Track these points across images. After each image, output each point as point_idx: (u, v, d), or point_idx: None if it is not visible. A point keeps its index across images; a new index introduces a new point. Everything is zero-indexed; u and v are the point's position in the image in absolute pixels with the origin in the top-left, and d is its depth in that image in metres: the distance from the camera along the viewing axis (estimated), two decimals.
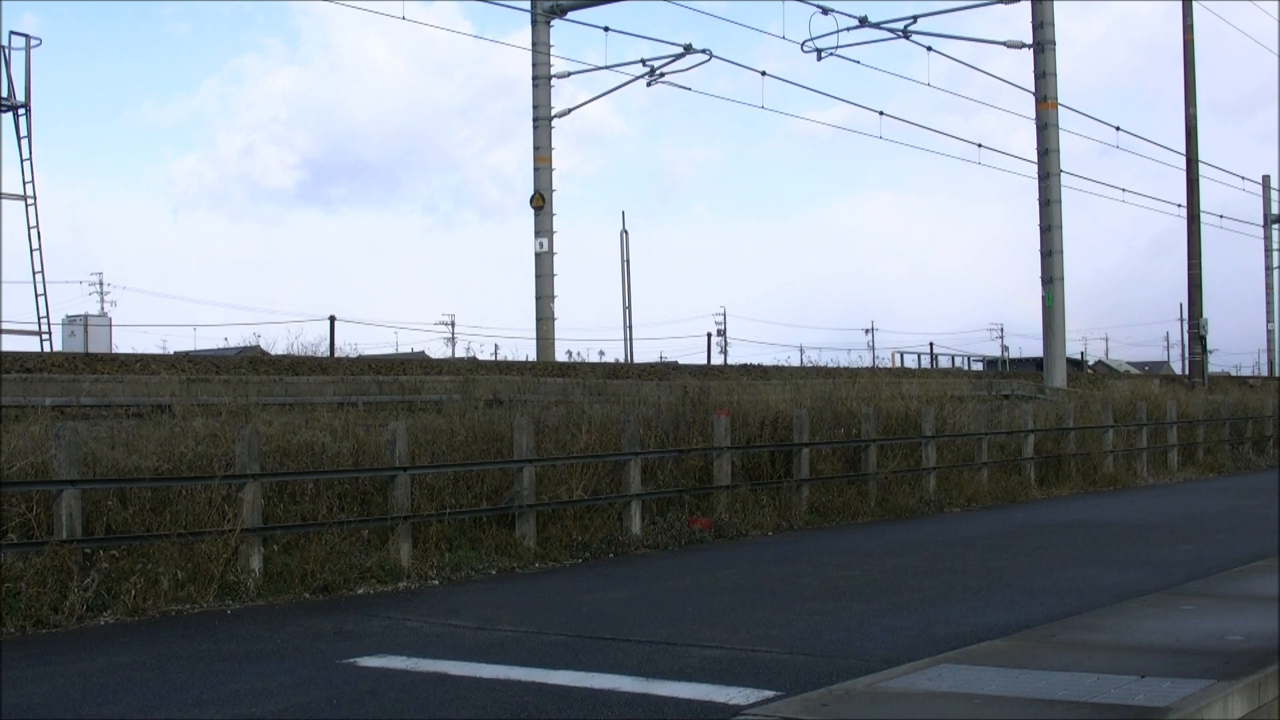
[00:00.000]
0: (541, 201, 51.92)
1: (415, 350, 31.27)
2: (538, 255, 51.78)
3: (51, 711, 10.74)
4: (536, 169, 52.60)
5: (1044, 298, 41.55)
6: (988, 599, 15.91)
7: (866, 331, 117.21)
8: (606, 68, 49.67)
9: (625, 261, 53.47)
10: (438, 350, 72.63)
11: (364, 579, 16.93)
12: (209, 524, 16.35)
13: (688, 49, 44.68)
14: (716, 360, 42.86)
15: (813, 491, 24.93)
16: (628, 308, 52.46)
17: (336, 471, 18.47)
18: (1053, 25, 43.59)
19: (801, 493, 24.56)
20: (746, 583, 17.57)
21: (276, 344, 27.85)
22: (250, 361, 24.55)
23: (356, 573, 16.95)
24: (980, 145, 72.34)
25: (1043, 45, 43.20)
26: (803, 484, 24.68)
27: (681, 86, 52.87)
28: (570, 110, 54.52)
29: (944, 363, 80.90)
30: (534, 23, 50.16)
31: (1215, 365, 75.19)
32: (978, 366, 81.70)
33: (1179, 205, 56.42)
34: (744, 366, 35.56)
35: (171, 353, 24.42)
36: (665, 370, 30.44)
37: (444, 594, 16.77)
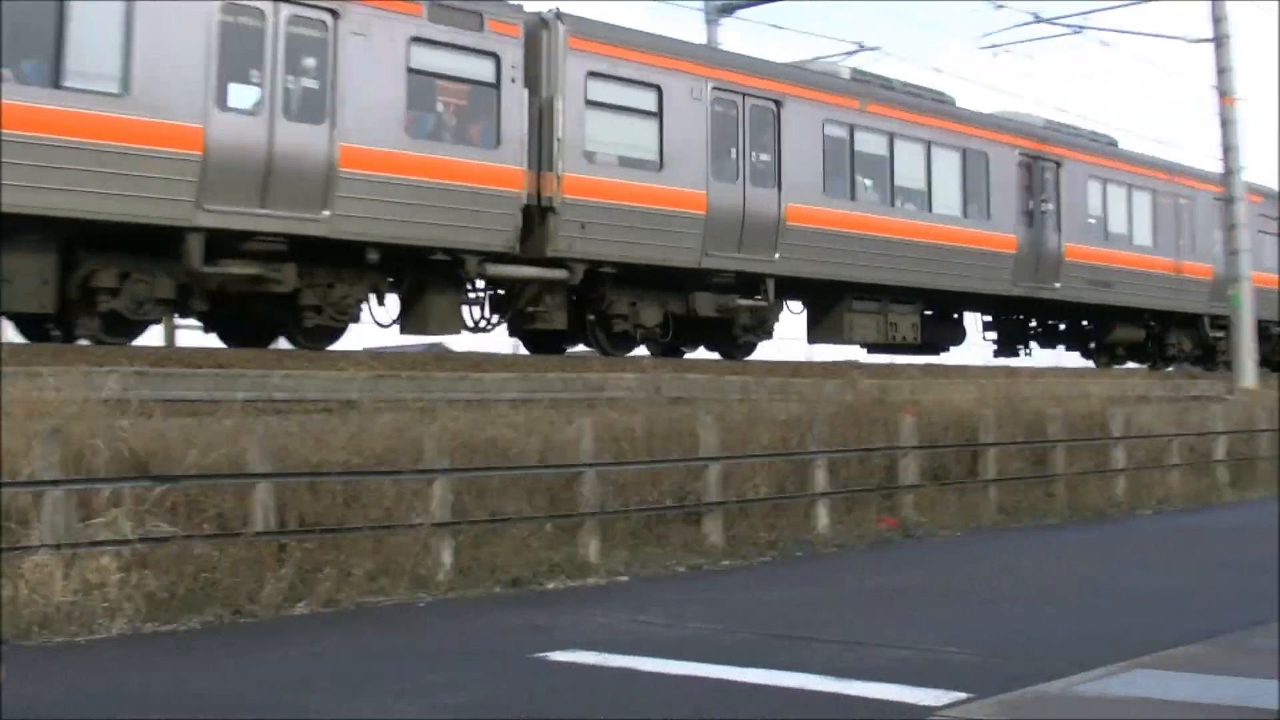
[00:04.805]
0: None
1: None
2: None
3: (251, 699, 10.92)
4: None
5: (1231, 297, 40.70)
6: (1183, 603, 15.63)
7: None
8: None
9: None
10: None
11: (553, 574, 16.98)
12: (399, 518, 16.50)
13: (860, 46, 44.29)
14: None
15: (1000, 492, 24.61)
16: None
17: (525, 467, 18.55)
18: (1231, 20, 42.71)
19: (989, 493, 24.28)
20: (935, 583, 17.41)
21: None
22: (436, 358, 24.75)
23: (545, 567, 17.01)
24: (1159, 142, 71.30)
25: (1221, 40, 42.27)
26: (990, 484, 24.40)
27: None
28: None
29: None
30: (707, 22, 50.08)
31: None
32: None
33: None
34: (924, 365, 35.17)
35: (360, 349, 24.62)
36: (845, 369, 30.25)
37: (632, 590, 16.77)
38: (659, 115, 26.94)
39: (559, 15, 25.50)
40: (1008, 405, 27.02)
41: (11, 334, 21.63)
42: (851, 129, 30.98)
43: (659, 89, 26.90)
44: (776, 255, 28.73)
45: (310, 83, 22.21)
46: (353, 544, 15.94)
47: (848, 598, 16.07)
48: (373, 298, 24.14)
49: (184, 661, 12.47)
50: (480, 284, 25.82)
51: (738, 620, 14.46)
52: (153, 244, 20.92)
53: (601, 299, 27.01)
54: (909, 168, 32.75)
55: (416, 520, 16.40)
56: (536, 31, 25.26)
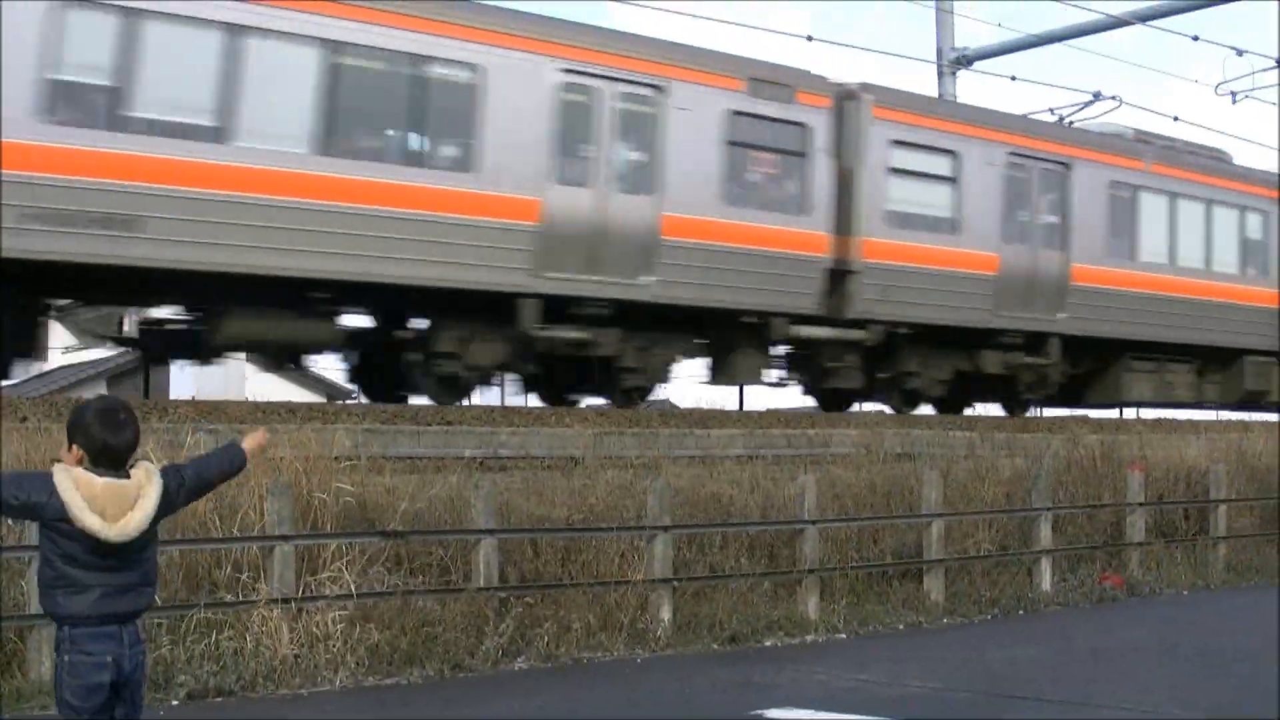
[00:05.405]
0: None
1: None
2: None
3: None
4: None
5: None
6: None
7: None
8: None
9: None
10: None
11: (771, 630, 16.91)
12: (618, 573, 16.59)
13: (1097, 96, 43.79)
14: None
15: (1229, 549, 24.04)
16: None
17: (745, 524, 18.59)
18: None
19: (1218, 550, 23.73)
20: (1159, 643, 17.06)
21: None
22: (660, 415, 24.92)
23: (764, 624, 16.95)
24: None
25: None
26: (1219, 541, 23.85)
27: None
28: None
29: None
30: (940, 75, 49.92)
31: None
32: None
33: None
34: (1154, 419, 34.55)
35: (583, 406, 24.93)
36: (1070, 423, 29.87)
37: (851, 647, 16.65)
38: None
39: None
40: (1238, 459, 26.40)
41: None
42: None
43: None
44: None
45: (638, 155, 23.57)
46: (571, 599, 16.06)
47: (1070, 657, 15.82)
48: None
49: (404, 714, 12.70)
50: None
51: (959, 679, 14.30)
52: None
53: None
54: None
55: (636, 576, 16.48)
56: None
